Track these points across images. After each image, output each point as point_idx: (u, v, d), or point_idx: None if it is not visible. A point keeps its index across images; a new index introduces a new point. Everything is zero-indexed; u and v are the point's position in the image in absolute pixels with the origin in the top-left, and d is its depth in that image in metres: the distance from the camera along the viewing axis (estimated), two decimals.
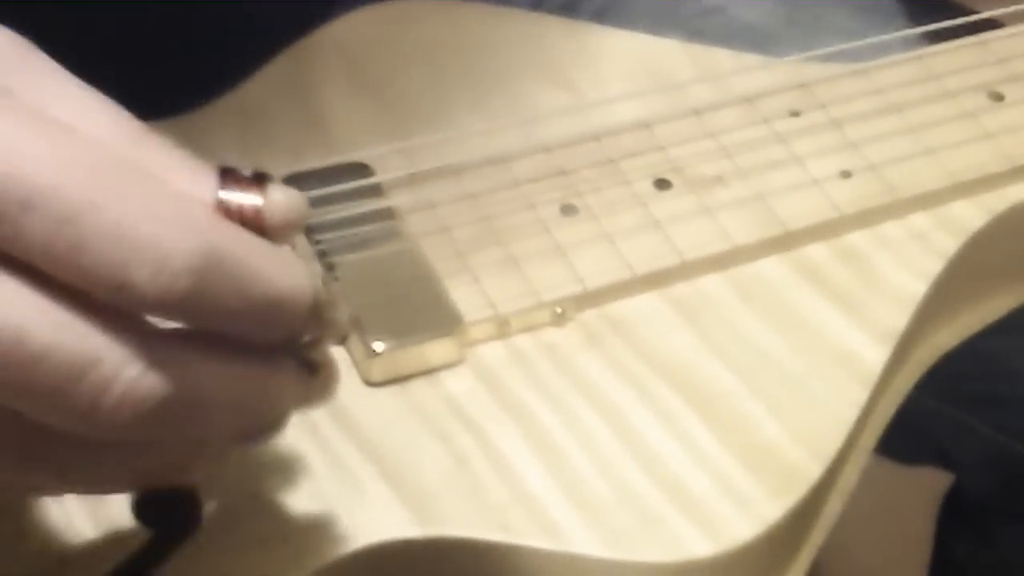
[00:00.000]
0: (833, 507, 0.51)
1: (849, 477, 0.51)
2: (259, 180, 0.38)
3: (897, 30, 0.61)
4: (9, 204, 0.34)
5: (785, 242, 0.52)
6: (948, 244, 0.53)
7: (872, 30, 0.61)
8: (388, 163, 0.52)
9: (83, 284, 0.35)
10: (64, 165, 0.35)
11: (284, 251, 0.37)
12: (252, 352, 0.38)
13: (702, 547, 0.45)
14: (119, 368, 0.35)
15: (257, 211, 0.37)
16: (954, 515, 0.76)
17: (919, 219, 0.54)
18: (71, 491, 0.41)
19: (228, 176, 0.38)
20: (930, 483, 0.77)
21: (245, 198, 0.37)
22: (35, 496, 0.43)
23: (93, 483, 0.39)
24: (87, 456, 0.38)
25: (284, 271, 0.38)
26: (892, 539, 0.81)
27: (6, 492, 0.41)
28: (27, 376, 0.35)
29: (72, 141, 0.35)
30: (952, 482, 0.77)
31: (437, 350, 0.48)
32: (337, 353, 0.47)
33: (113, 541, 0.44)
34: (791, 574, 0.50)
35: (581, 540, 0.45)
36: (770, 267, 0.52)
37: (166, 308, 0.36)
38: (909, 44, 0.61)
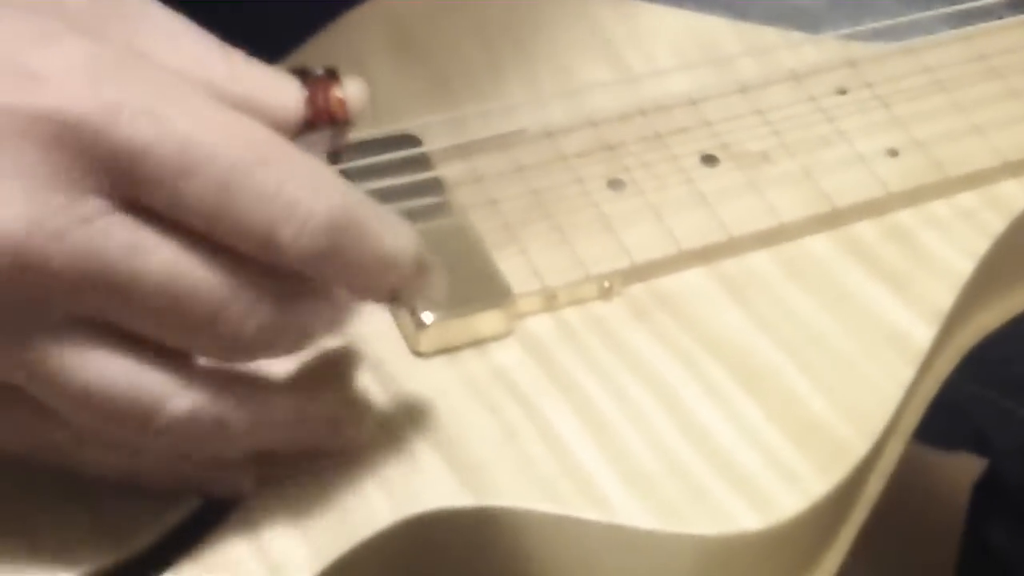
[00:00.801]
0: (874, 487, 0.51)
1: (889, 459, 0.51)
2: (333, 75, 0.44)
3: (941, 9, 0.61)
4: (170, 172, 0.39)
5: (832, 219, 0.52)
6: (995, 223, 0.53)
7: (915, 10, 0.61)
8: (436, 134, 0.52)
9: (230, 240, 0.40)
10: (217, 135, 0.39)
11: (393, 214, 0.42)
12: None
13: (750, 521, 0.45)
14: (248, 310, 0.40)
15: (342, 103, 0.44)
16: (989, 502, 0.76)
17: (966, 198, 0.54)
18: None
19: (307, 78, 0.43)
20: (964, 469, 0.77)
21: (329, 95, 0.44)
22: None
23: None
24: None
25: (396, 230, 0.42)
26: (923, 524, 0.80)
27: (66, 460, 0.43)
28: (180, 310, 0.39)
29: (218, 108, 0.39)
30: (985, 468, 0.77)
31: (486, 322, 0.48)
32: (386, 323, 0.49)
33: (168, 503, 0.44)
34: (833, 552, 0.50)
35: (630, 512, 0.45)
36: (817, 244, 0.52)
37: (302, 262, 0.40)
38: (954, 23, 0.61)
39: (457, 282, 0.49)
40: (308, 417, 0.44)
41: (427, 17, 0.57)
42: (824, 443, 0.47)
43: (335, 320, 0.43)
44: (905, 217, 0.53)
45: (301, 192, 0.40)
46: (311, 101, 0.43)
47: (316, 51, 0.55)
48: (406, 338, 0.48)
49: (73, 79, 0.38)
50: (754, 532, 0.45)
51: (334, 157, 0.52)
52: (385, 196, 0.51)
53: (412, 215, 0.50)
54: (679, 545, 0.45)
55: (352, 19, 0.56)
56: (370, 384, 0.47)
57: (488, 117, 0.53)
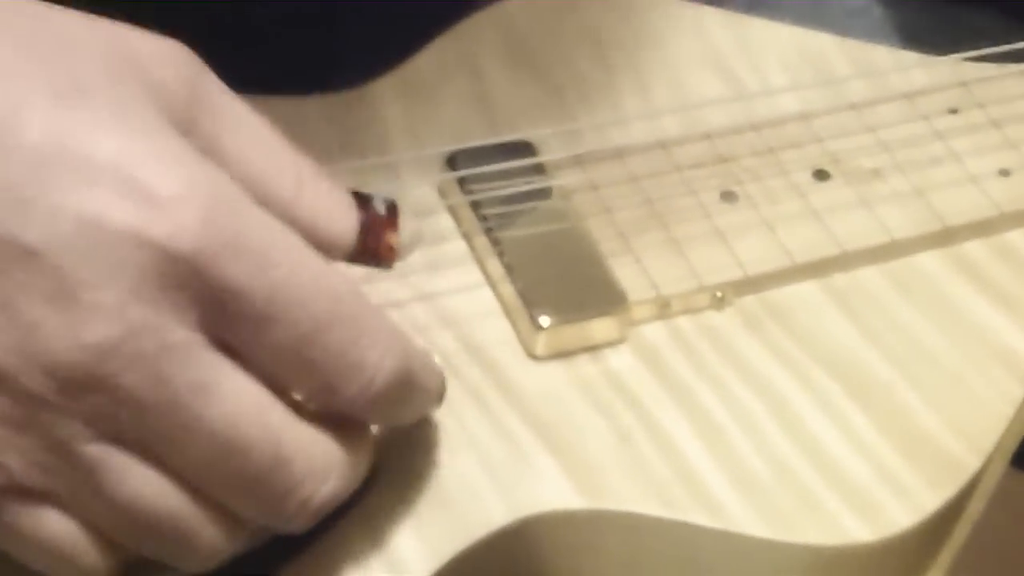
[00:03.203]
0: (975, 507, 0.51)
1: (991, 478, 0.51)
2: (393, 212, 0.44)
3: None
4: (259, 317, 0.39)
5: (943, 238, 0.53)
6: None
7: (1016, 33, 0.61)
8: (551, 143, 0.53)
9: (296, 388, 0.41)
10: (307, 287, 0.40)
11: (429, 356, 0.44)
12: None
13: (862, 533, 0.45)
14: (305, 475, 0.41)
15: (391, 250, 0.44)
16: None
17: None
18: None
19: (366, 213, 0.43)
20: None
21: (381, 240, 0.44)
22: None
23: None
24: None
25: (437, 377, 0.44)
26: (1014, 550, 0.80)
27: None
28: (230, 463, 0.40)
29: (311, 258, 0.40)
30: None
31: (600, 327, 0.49)
32: (502, 327, 0.50)
33: None
34: (936, 568, 0.50)
35: (742, 519, 0.45)
36: (928, 261, 0.52)
37: (360, 414, 0.42)
38: None
39: (573, 288, 0.50)
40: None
41: (542, 26, 0.57)
42: (935, 458, 0.47)
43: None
44: (1015, 237, 0.53)
45: (371, 352, 0.41)
46: (363, 239, 0.43)
47: (434, 57, 0.55)
48: (522, 342, 0.49)
49: (188, 211, 0.38)
50: (865, 544, 0.45)
51: (451, 163, 0.54)
52: (502, 202, 0.52)
53: (529, 221, 0.52)
54: (790, 554, 0.46)
55: (469, 26, 0.57)
56: (486, 386, 0.48)
57: (601, 127, 0.54)
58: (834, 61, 0.58)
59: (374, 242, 0.43)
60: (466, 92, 0.55)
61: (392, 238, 0.44)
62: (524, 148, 0.53)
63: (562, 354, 0.49)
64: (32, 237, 0.37)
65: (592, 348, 0.49)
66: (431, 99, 0.54)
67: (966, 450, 0.48)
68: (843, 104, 0.55)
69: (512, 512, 0.45)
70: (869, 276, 0.52)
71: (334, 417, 0.41)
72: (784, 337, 0.50)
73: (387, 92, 0.54)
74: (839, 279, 0.52)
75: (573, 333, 0.49)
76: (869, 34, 0.64)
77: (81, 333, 0.37)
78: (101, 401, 0.38)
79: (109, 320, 0.37)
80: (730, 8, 0.63)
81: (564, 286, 0.49)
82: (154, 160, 0.38)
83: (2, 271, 0.37)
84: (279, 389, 0.41)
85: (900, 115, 0.55)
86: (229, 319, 0.39)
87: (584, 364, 0.49)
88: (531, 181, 0.52)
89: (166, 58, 0.40)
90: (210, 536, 0.40)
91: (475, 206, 0.51)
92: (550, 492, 0.46)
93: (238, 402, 0.39)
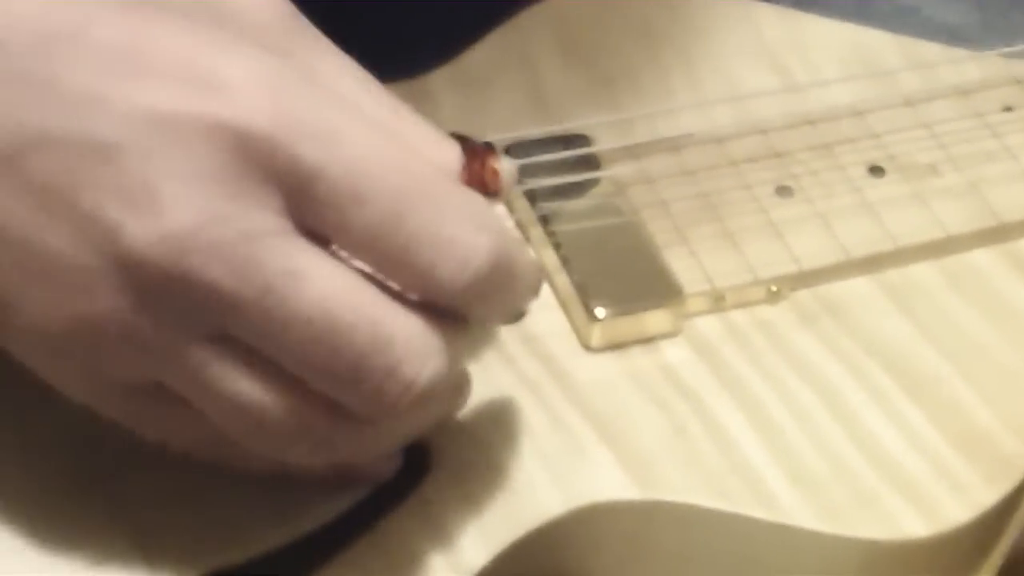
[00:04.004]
0: None
1: None
2: (490, 148, 0.44)
3: None
4: (342, 196, 0.38)
5: (998, 234, 0.52)
6: None
7: None
8: (605, 135, 0.53)
9: (390, 273, 0.40)
10: (390, 165, 0.39)
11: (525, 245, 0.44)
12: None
13: (918, 527, 0.45)
14: (405, 356, 0.39)
15: (496, 173, 0.43)
16: None
17: None
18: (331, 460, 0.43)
19: (466, 145, 0.42)
20: None
21: (486, 164, 0.43)
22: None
23: (360, 454, 0.43)
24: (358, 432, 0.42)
25: (532, 263, 0.43)
26: None
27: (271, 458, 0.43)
28: (329, 349, 0.39)
29: (391, 140, 0.39)
30: None
31: (655, 319, 0.49)
32: (557, 318, 0.50)
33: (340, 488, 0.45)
34: (988, 566, 0.50)
35: (797, 512, 0.45)
36: (982, 258, 0.52)
37: (456, 299, 0.40)
38: None
39: (628, 280, 0.50)
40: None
41: (594, 19, 0.57)
42: (990, 453, 0.47)
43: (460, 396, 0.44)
44: None
45: (463, 230, 0.40)
46: (468, 166, 0.43)
47: (488, 49, 0.56)
48: (577, 332, 0.49)
49: (256, 91, 0.38)
50: (922, 539, 0.45)
51: (507, 154, 0.53)
52: (557, 193, 0.52)
53: (584, 212, 0.52)
54: (845, 548, 0.46)
55: (523, 20, 0.57)
56: (541, 377, 0.48)
57: (655, 119, 0.54)
58: (888, 57, 0.58)
59: (479, 168, 0.43)
60: (520, 84, 0.55)
61: (495, 163, 0.43)
62: (579, 140, 0.53)
63: (617, 346, 0.49)
64: (107, 132, 0.37)
65: (646, 340, 0.49)
66: (485, 91, 0.55)
67: (1021, 445, 0.47)
68: (897, 100, 0.55)
69: (568, 502, 0.45)
70: (923, 272, 0.52)
71: (433, 308, 0.40)
72: (839, 332, 0.50)
73: (443, 83, 0.55)
74: (893, 274, 0.51)
75: (628, 325, 0.49)
76: (917, 32, 0.64)
77: (162, 227, 0.37)
78: (192, 298, 0.38)
79: (189, 210, 0.37)
80: (780, 4, 0.63)
81: (619, 278, 0.50)
82: (221, 52, 0.38)
83: (79, 173, 0.37)
84: (373, 277, 0.40)
85: (955, 111, 0.55)
86: (313, 202, 0.38)
87: (639, 356, 0.49)
88: (585, 172, 0.52)
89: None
90: (318, 429, 0.40)
91: (530, 197, 0.51)
92: (605, 483, 0.46)
93: (331, 286, 0.39)
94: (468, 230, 0.39)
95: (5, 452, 0.44)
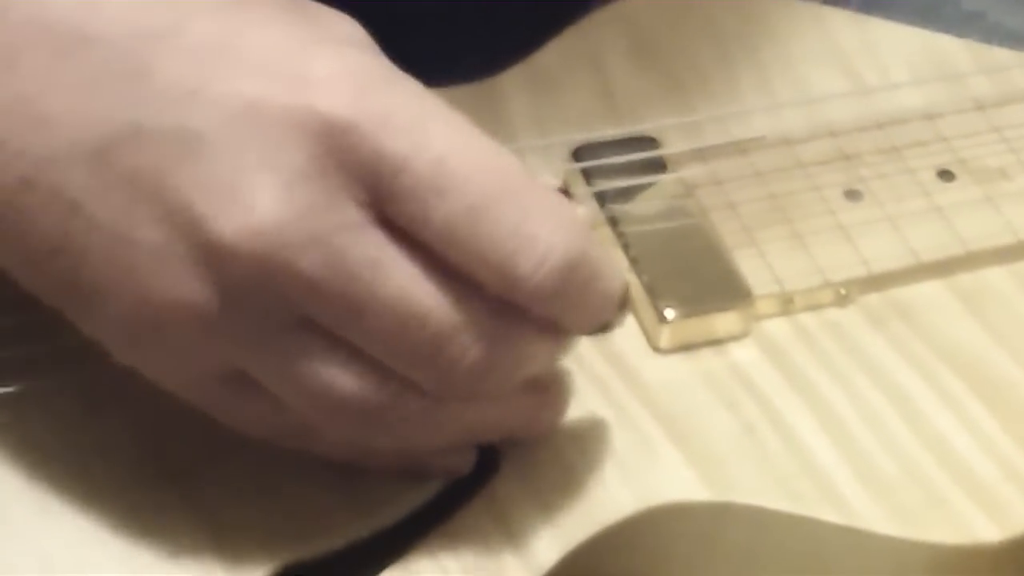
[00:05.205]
0: None
1: None
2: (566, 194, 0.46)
3: None
4: (425, 189, 0.39)
5: None
6: None
7: None
8: (675, 137, 0.53)
9: (468, 266, 0.40)
10: (472, 159, 0.40)
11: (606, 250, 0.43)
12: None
13: (990, 532, 0.45)
14: (470, 344, 0.40)
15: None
16: None
17: None
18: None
19: None
20: None
21: None
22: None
23: (434, 438, 0.43)
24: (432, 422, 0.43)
25: (615, 269, 0.43)
26: None
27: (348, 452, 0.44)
28: (407, 333, 0.40)
29: (473, 135, 0.40)
30: None
31: (725, 321, 0.49)
32: (627, 319, 0.49)
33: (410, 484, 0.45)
34: None
35: (868, 515, 0.45)
36: None
37: (535, 297, 0.41)
38: None
39: (697, 282, 0.50)
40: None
41: (664, 21, 0.58)
42: None
43: (549, 363, 0.44)
44: None
45: (543, 227, 0.40)
46: None
47: (559, 51, 0.56)
48: (646, 333, 0.49)
49: (342, 85, 0.39)
50: (993, 543, 0.45)
51: (576, 156, 0.54)
52: (627, 195, 0.52)
53: (654, 214, 0.52)
54: (915, 551, 0.46)
55: (592, 22, 0.57)
56: (611, 377, 0.48)
57: (724, 122, 0.54)
58: (957, 61, 0.57)
59: None
60: (590, 85, 0.55)
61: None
62: (648, 142, 0.53)
63: (685, 347, 0.49)
64: (197, 125, 0.38)
65: (715, 342, 0.49)
66: (556, 91, 0.55)
67: None
68: (967, 104, 0.55)
69: (638, 501, 0.45)
70: (994, 276, 0.51)
71: (512, 306, 0.41)
72: (909, 335, 0.50)
73: (514, 84, 0.55)
74: (964, 279, 0.51)
75: (697, 327, 0.49)
76: (983, 37, 0.64)
77: (252, 220, 0.38)
78: (279, 289, 0.39)
79: (277, 203, 0.38)
80: (847, 9, 0.64)
81: (689, 279, 0.50)
82: (309, 48, 0.39)
83: (168, 166, 0.38)
84: (451, 272, 0.41)
85: None
86: (395, 195, 0.39)
87: (708, 357, 0.49)
88: (655, 174, 0.52)
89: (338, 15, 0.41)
90: (398, 414, 0.41)
91: (599, 199, 0.51)
92: (676, 483, 0.46)
93: (410, 276, 0.40)
94: (548, 227, 0.40)
95: (90, 448, 0.45)
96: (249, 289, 0.39)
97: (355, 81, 0.39)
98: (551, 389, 0.45)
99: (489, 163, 0.40)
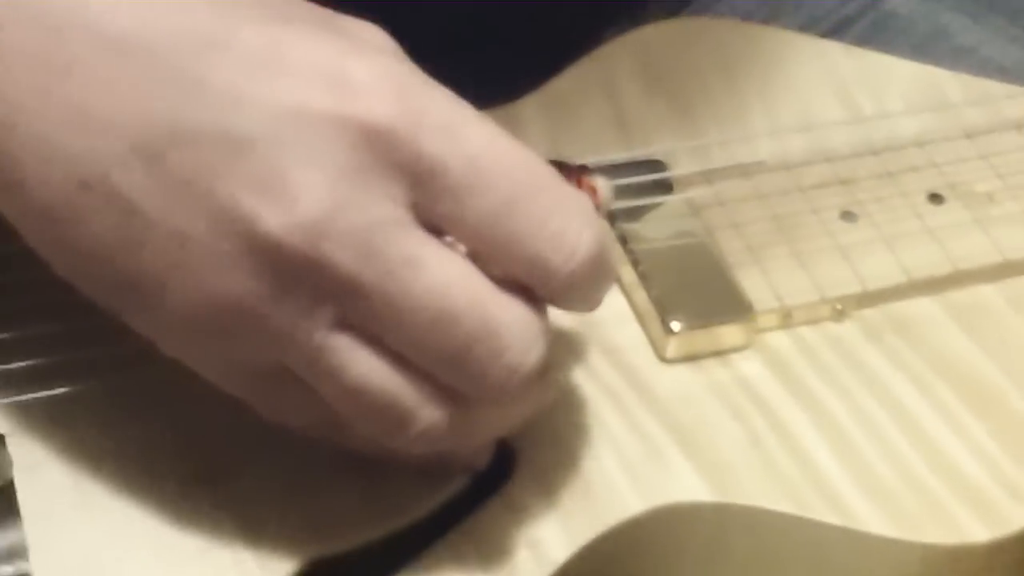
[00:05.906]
0: None
1: None
2: (585, 169, 0.47)
3: None
4: (461, 188, 0.41)
5: None
6: None
7: None
8: (683, 160, 0.56)
9: (500, 261, 0.42)
10: (504, 158, 0.42)
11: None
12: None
13: (979, 532, 0.48)
14: (512, 342, 0.42)
15: (594, 190, 0.47)
16: None
17: None
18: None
19: (562, 167, 0.45)
20: None
21: (583, 182, 0.46)
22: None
23: (465, 439, 0.45)
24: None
25: (614, 260, 0.45)
26: None
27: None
28: (441, 333, 0.42)
29: (503, 135, 0.42)
30: None
31: (728, 334, 0.52)
32: (634, 331, 0.52)
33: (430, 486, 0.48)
34: None
35: (868, 519, 0.48)
36: None
37: (564, 288, 0.43)
38: None
39: (703, 296, 0.53)
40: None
41: (674, 50, 0.61)
42: None
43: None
44: None
45: (571, 223, 0.42)
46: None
47: (574, 78, 0.59)
48: (653, 345, 0.52)
49: (382, 89, 0.41)
50: (983, 543, 0.48)
51: None
52: (636, 214, 0.55)
53: (662, 232, 0.55)
54: (910, 551, 0.48)
55: (606, 50, 0.60)
56: (620, 386, 0.51)
57: (729, 146, 0.57)
58: (949, 93, 0.61)
59: (577, 184, 0.46)
60: (603, 111, 0.58)
61: (591, 180, 0.46)
62: (658, 165, 0.56)
63: (691, 357, 0.52)
64: (244, 128, 0.40)
65: (720, 353, 0.52)
66: (571, 117, 0.58)
67: None
68: (958, 132, 0.58)
69: (647, 502, 0.48)
70: (983, 293, 0.54)
71: (534, 296, 0.43)
72: (903, 348, 0.52)
73: (531, 110, 0.58)
74: (954, 295, 0.54)
75: (701, 338, 0.52)
76: (975, 71, 0.67)
77: (296, 214, 0.40)
78: (320, 283, 0.41)
79: (320, 198, 0.40)
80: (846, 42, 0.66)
81: (694, 294, 0.53)
82: (349, 55, 0.41)
83: (217, 166, 0.40)
84: (483, 267, 0.42)
85: (1013, 144, 0.58)
86: (432, 193, 0.41)
87: (713, 368, 0.52)
88: (663, 196, 0.55)
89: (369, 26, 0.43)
90: (427, 414, 0.43)
91: (610, 217, 0.54)
92: (683, 486, 0.48)
93: (445, 273, 0.41)
94: (575, 223, 0.42)
95: (132, 448, 0.47)
96: (293, 283, 0.41)
97: (393, 86, 0.41)
98: (550, 369, 0.47)
99: (518, 162, 0.42)
